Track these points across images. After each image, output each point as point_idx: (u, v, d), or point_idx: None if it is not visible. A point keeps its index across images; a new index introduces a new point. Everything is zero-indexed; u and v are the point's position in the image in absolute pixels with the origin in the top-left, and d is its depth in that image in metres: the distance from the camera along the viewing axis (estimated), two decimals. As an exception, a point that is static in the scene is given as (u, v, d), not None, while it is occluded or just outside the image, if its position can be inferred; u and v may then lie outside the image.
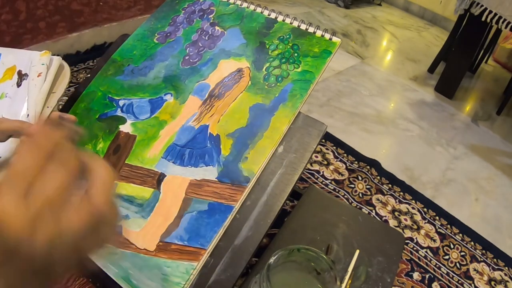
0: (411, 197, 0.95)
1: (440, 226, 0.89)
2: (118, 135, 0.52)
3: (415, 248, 0.81)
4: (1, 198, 0.20)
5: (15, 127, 0.44)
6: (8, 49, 0.55)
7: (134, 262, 0.44)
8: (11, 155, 0.23)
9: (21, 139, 0.28)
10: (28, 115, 0.48)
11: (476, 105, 1.64)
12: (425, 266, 0.78)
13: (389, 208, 0.90)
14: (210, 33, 0.57)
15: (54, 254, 0.22)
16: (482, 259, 0.84)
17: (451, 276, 0.77)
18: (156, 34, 0.60)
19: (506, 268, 0.83)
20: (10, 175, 0.22)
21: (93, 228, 0.24)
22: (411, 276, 0.74)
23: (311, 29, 0.53)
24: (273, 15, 0.55)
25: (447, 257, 0.82)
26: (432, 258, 0.80)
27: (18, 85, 0.50)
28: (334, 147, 1.05)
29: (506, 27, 1.24)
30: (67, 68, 0.55)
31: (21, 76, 0.51)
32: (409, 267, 0.76)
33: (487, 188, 1.10)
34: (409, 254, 0.79)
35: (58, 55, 0.55)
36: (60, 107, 0.54)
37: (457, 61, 1.56)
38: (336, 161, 1.00)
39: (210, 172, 0.46)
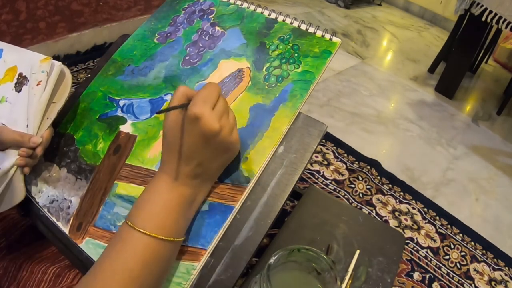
0: (411, 197, 0.95)
1: (440, 226, 0.89)
2: (119, 135, 0.52)
3: (415, 248, 0.81)
4: (203, 109, 0.37)
5: (15, 140, 0.44)
6: (10, 46, 0.53)
7: (134, 262, 0.44)
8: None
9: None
10: (27, 125, 0.47)
11: (476, 105, 1.64)
12: (425, 266, 0.78)
13: (390, 208, 0.90)
14: (210, 33, 0.57)
15: (230, 139, 0.40)
16: (482, 259, 0.84)
17: (451, 276, 0.78)
18: (156, 34, 0.60)
19: (506, 268, 0.83)
20: (204, 97, 0.38)
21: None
22: (412, 276, 0.74)
23: (311, 29, 0.53)
24: (273, 15, 0.55)
25: (447, 257, 0.82)
26: (432, 258, 0.80)
27: (18, 90, 0.49)
28: (334, 147, 1.05)
29: (506, 27, 1.24)
30: (68, 76, 0.52)
31: (22, 80, 0.49)
32: (410, 267, 0.76)
33: (487, 188, 1.10)
34: (409, 254, 0.79)
35: (58, 55, 0.54)
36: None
37: (457, 61, 1.56)
38: (337, 161, 1.00)
39: (210, 172, 0.46)
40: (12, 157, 0.45)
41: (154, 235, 0.36)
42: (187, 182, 0.40)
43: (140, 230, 0.36)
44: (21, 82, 0.49)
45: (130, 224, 0.37)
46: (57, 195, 0.51)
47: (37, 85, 0.47)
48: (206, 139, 0.38)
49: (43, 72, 0.48)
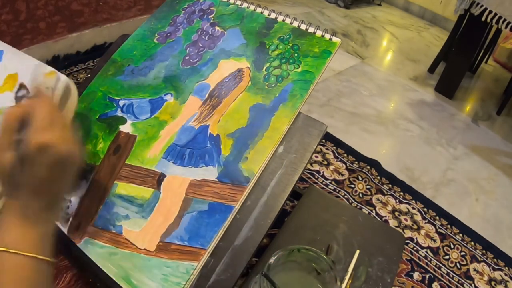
0: (411, 197, 0.95)
1: (440, 226, 0.89)
2: (118, 135, 0.52)
3: (415, 248, 0.81)
4: (52, 135, 0.32)
5: None
6: (11, 49, 0.48)
7: (134, 262, 0.44)
8: None
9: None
10: None
11: (476, 105, 1.64)
12: (425, 266, 0.78)
13: (389, 208, 0.90)
14: (210, 33, 0.57)
15: (78, 155, 0.35)
16: (482, 259, 0.84)
17: (451, 276, 0.77)
18: (156, 34, 0.60)
19: (506, 268, 0.83)
20: (48, 121, 0.33)
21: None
22: (411, 276, 0.74)
23: (311, 29, 0.53)
24: (273, 15, 0.55)
25: (447, 257, 0.81)
26: (432, 258, 0.80)
27: (18, 102, 0.44)
28: (334, 147, 1.05)
29: (506, 27, 1.24)
30: (74, 92, 0.44)
31: (23, 91, 0.44)
32: (409, 267, 0.76)
33: (487, 188, 1.10)
34: (409, 254, 0.79)
35: (58, 55, 0.51)
36: None
37: (457, 61, 1.56)
38: (336, 161, 1.00)
39: (210, 172, 0.46)
40: None
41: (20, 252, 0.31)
42: (41, 217, 0.35)
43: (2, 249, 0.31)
44: (22, 94, 0.45)
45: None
46: (57, 195, 0.51)
47: None
48: (58, 166, 0.34)
49: (47, 88, 0.42)
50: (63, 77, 0.43)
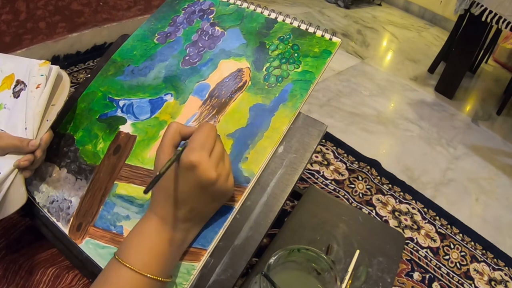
0: (411, 197, 0.95)
1: (440, 226, 0.89)
2: (118, 135, 0.52)
3: (415, 248, 0.81)
4: (200, 157, 0.36)
5: (14, 145, 0.44)
6: (6, 55, 0.53)
7: (134, 262, 0.44)
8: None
9: (202, 123, 0.40)
10: (26, 128, 0.46)
11: (476, 105, 1.64)
12: (425, 266, 0.78)
13: (389, 208, 0.90)
14: (210, 33, 0.57)
15: (226, 187, 0.39)
16: (482, 259, 0.84)
17: (451, 276, 0.78)
18: (156, 35, 0.60)
19: (506, 268, 0.83)
20: (201, 143, 0.37)
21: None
22: (412, 276, 0.74)
23: (311, 29, 0.53)
24: (273, 15, 0.55)
25: (447, 257, 0.82)
26: (432, 258, 0.80)
27: (16, 96, 0.49)
28: (334, 147, 1.05)
29: (506, 27, 1.24)
30: (66, 78, 0.52)
31: (20, 86, 0.49)
32: (409, 267, 0.76)
33: (487, 188, 1.10)
34: (409, 254, 0.79)
35: (58, 55, 0.54)
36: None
37: (457, 61, 1.56)
38: (336, 161, 1.00)
39: (210, 172, 0.46)
40: (11, 162, 0.45)
41: (142, 272, 0.35)
42: (177, 226, 0.39)
43: (128, 266, 0.35)
44: (19, 88, 0.49)
45: (118, 259, 0.36)
46: (57, 195, 0.51)
47: (36, 88, 0.48)
48: (202, 188, 0.37)
49: (42, 75, 0.48)
50: (55, 66, 0.50)
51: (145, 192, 0.33)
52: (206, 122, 0.43)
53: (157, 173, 0.34)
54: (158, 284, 0.37)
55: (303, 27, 0.53)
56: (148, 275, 0.35)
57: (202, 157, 0.36)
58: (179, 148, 0.38)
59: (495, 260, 0.85)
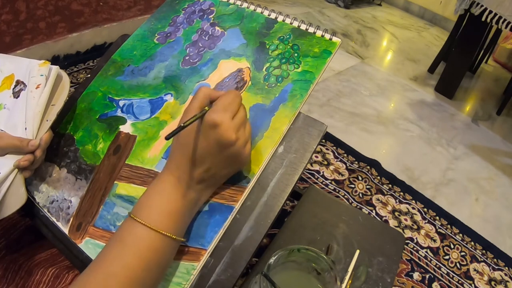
0: (411, 197, 0.95)
1: (440, 226, 0.89)
2: (118, 135, 0.52)
3: (415, 248, 0.81)
4: (223, 117, 0.37)
5: (14, 145, 0.44)
6: (6, 56, 0.53)
7: (134, 262, 0.44)
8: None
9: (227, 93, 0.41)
10: (26, 128, 0.46)
11: (476, 105, 1.64)
12: (425, 266, 0.78)
13: (389, 208, 0.90)
14: (210, 33, 0.57)
15: (243, 151, 0.40)
16: (482, 259, 0.84)
17: (451, 276, 0.78)
18: (156, 35, 0.60)
19: (506, 268, 0.83)
20: (226, 105, 0.39)
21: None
22: (411, 276, 0.74)
23: (311, 29, 0.53)
24: (273, 15, 0.55)
25: (447, 257, 0.82)
26: (432, 258, 0.80)
27: (16, 96, 0.49)
28: (334, 147, 1.05)
29: (506, 27, 1.24)
30: (65, 78, 0.52)
31: (20, 86, 0.49)
32: (409, 267, 0.76)
33: (487, 188, 1.10)
34: (409, 254, 0.79)
35: (58, 56, 0.54)
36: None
37: (457, 61, 1.56)
38: (336, 161, 1.00)
39: (210, 172, 0.46)
40: (11, 162, 0.45)
41: (158, 230, 0.36)
42: (192, 185, 0.40)
43: (144, 223, 0.36)
44: (19, 88, 0.49)
45: (133, 217, 0.37)
46: (57, 195, 0.51)
47: (36, 88, 0.48)
48: (220, 147, 0.38)
49: (42, 75, 0.48)
50: (54, 66, 0.50)
51: (167, 138, 0.34)
52: (233, 90, 0.45)
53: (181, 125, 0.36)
54: (172, 242, 0.38)
55: (303, 27, 0.53)
56: (163, 232, 0.36)
57: (225, 118, 0.37)
58: (206, 108, 0.40)
59: (495, 260, 0.85)
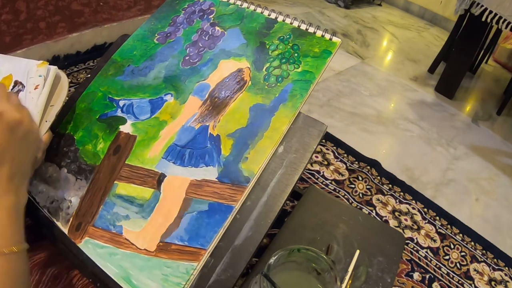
0: (411, 197, 0.95)
1: (440, 226, 0.89)
2: (118, 135, 0.52)
3: (415, 248, 0.81)
4: (1, 103, 0.37)
5: None
6: (4, 56, 0.53)
7: (134, 262, 0.44)
8: None
9: None
10: None
11: (476, 105, 1.64)
12: (425, 266, 0.78)
13: (389, 208, 0.90)
14: (210, 33, 0.57)
15: (33, 126, 0.41)
16: (482, 259, 0.84)
17: (451, 276, 0.77)
18: (156, 35, 0.60)
19: (506, 268, 0.83)
20: None
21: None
22: (412, 276, 0.74)
23: (311, 29, 0.53)
24: (273, 15, 0.55)
25: (447, 257, 0.81)
26: (432, 258, 0.80)
27: None
28: (334, 147, 1.05)
29: (506, 27, 1.24)
30: (64, 79, 0.52)
31: (18, 87, 0.49)
32: (410, 267, 0.76)
33: (487, 188, 1.10)
34: (409, 254, 0.79)
35: (58, 55, 0.54)
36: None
37: (457, 61, 1.56)
38: (336, 161, 1.00)
39: (210, 172, 0.46)
40: None
41: None
42: (6, 188, 0.37)
43: None
44: (17, 89, 0.49)
45: None
46: (57, 195, 0.51)
47: (35, 89, 0.48)
48: (12, 131, 0.38)
49: (40, 76, 0.48)
50: (53, 67, 0.50)
51: None
52: None
53: None
54: (17, 254, 0.35)
55: (303, 27, 0.53)
56: (4, 251, 0.33)
57: (3, 104, 0.38)
58: None
59: (495, 260, 0.85)
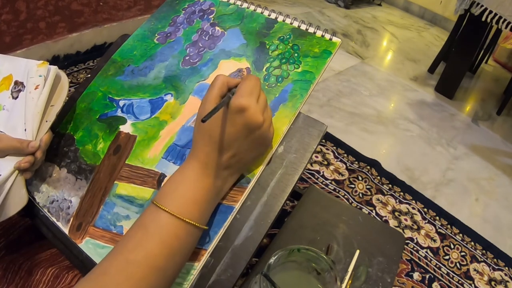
0: (411, 197, 0.95)
1: (440, 226, 0.89)
2: (119, 135, 0.52)
3: (415, 248, 0.81)
4: (249, 101, 0.38)
5: (14, 147, 0.44)
6: (4, 56, 0.52)
7: (134, 262, 0.44)
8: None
9: (244, 77, 0.42)
10: (25, 129, 0.46)
11: (476, 105, 1.64)
12: (425, 266, 0.78)
13: (389, 208, 0.90)
14: (210, 33, 0.57)
15: (269, 133, 0.41)
16: (482, 259, 0.84)
17: (451, 276, 0.78)
18: (156, 35, 0.60)
19: (506, 268, 0.83)
20: (250, 89, 0.39)
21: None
22: (411, 276, 0.74)
23: (311, 29, 0.53)
24: (273, 16, 0.55)
25: (447, 257, 0.82)
26: (432, 258, 0.80)
27: (15, 97, 0.48)
28: (334, 147, 1.05)
29: (506, 27, 1.24)
30: (64, 79, 0.52)
31: (18, 87, 0.49)
32: (409, 267, 0.76)
33: (487, 188, 1.10)
34: (409, 254, 0.79)
35: (58, 55, 0.54)
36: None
37: (457, 61, 1.56)
38: (336, 161, 1.00)
39: (210, 172, 0.46)
40: (11, 164, 0.45)
41: (182, 217, 0.36)
42: (218, 172, 0.40)
43: (168, 210, 0.36)
44: (17, 89, 0.49)
45: (157, 204, 0.36)
46: (57, 195, 0.51)
47: (35, 89, 0.47)
48: (249, 131, 0.39)
49: (40, 76, 0.48)
50: (53, 66, 0.50)
51: (204, 120, 0.34)
52: (251, 74, 0.45)
53: (205, 115, 0.35)
54: (195, 230, 0.38)
55: (303, 27, 0.53)
56: (187, 220, 0.36)
57: (251, 102, 0.38)
58: (230, 95, 0.40)
59: (495, 260, 0.85)
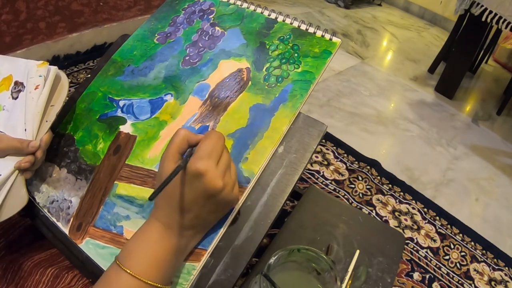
0: (411, 197, 0.95)
1: (440, 226, 0.89)
2: (119, 135, 0.52)
3: (415, 248, 0.81)
4: (207, 165, 0.35)
5: (14, 147, 0.44)
6: (3, 57, 0.52)
7: (134, 262, 0.44)
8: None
9: (209, 131, 0.41)
10: (26, 129, 0.46)
11: (476, 105, 1.64)
12: (425, 266, 0.78)
13: (389, 208, 0.90)
14: (210, 33, 0.57)
15: (231, 196, 0.39)
16: (482, 259, 0.84)
17: (451, 276, 0.78)
18: (156, 35, 0.60)
19: (506, 268, 0.83)
20: (209, 151, 0.37)
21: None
22: (412, 276, 0.74)
23: (311, 30, 0.53)
24: (273, 16, 0.55)
25: (447, 257, 0.82)
26: (432, 258, 0.80)
27: (15, 97, 0.48)
28: (334, 147, 1.05)
29: (506, 27, 1.24)
30: (64, 79, 0.52)
31: (18, 87, 0.49)
32: (410, 267, 0.76)
33: (487, 188, 1.10)
34: (409, 254, 0.79)
35: (58, 56, 0.54)
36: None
37: (457, 61, 1.56)
38: (336, 161, 1.00)
39: (210, 173, 0.46)
40: (12, 164, 0.45)
41: (142, 279, 0.35)
42: (181, 233, 0.39)
43: (129, 271, 0.35)
44: (17, 89, 0.49)
45: (119, 264, 0.36)
46: (57, 195, 0.51)
47: (35, 89, 0.47)
48: (208, 196, 0.37)
49: (40, 76, 0.48)
50: (53, 67, 0.50)
51: (150, 198, 0.33)
52: (214, 130, 0.43)
53: (162, 180, 0.34)
54: None
55: (303, 27, 0.53)
56: (148, 282, 0.35)
57: (210, 166, 0.36)
58: (185, 156, 0.38)
59: (495, 260, 0.85)
